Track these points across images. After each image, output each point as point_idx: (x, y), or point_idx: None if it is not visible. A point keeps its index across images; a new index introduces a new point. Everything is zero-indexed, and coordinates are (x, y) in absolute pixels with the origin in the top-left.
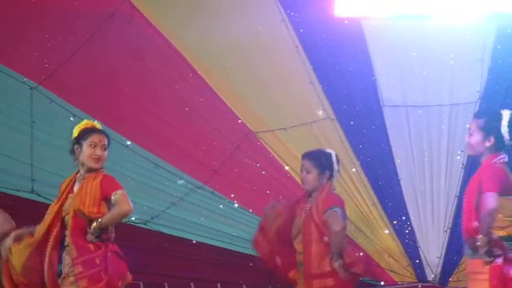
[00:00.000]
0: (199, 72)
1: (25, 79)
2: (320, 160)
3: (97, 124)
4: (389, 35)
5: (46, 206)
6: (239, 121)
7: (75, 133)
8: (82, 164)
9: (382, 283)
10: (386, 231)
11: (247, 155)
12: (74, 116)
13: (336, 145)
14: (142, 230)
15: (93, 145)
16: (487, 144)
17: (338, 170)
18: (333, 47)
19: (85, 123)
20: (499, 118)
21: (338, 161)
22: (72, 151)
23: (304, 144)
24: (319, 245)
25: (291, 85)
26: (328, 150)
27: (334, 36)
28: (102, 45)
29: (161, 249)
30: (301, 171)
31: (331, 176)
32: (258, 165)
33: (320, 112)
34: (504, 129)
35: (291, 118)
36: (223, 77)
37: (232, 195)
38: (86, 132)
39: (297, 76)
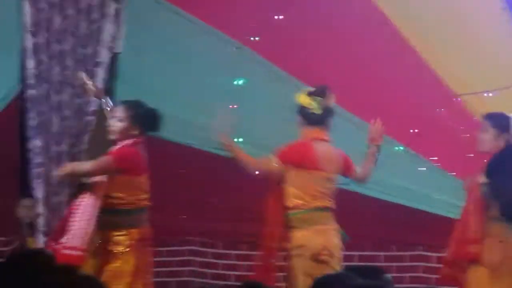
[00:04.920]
0: (401, 34)
1: (230, 40)
2: (497, 120)
3: None
4: None
5: None
6: (443, 83)
7: None
8: None
9: None
10: None
11: (451, 118)
12: (276, 77)
13: None
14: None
15: None
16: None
17: None
18: None
19: None
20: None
21: None
22: None
23: (507, 107)
24: None
25: (496, 47)
26: (510, 114)
27: None
28: (307, 8)
29: (359, 210)
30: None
31: (508, 141)
32: (461, 128)
33: None
34: None
35: (496, 80)
36: (426, 39)
37: (435, 158)
38: None
39: (502, 38)
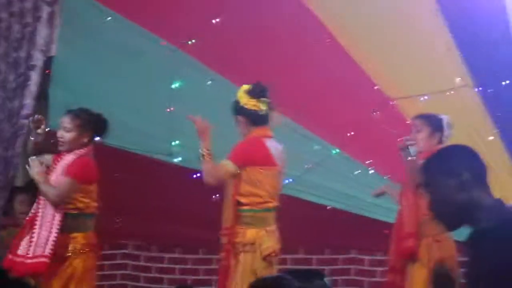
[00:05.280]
0: (336, 38)
1: (165, 42)
2: (431, 120)
3: None
4: None
5: (182, 169)
6: (376, 87)
7: None
8: None
9: None
10: None
11: (384, 122)
12: (212, 80)
13: (473, 112)
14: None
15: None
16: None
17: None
18: (473, 13)
19: None
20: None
21: (449, 125)
22: None
23: (441, 111)
24: None
25: (429, 51)
26: (442, 115)
27: (474, 2)
28: (243, 12)
29: (295, 214)
30: (411, 132)
31: (440, 141)
32: (394, 131)
33: (458, 79)
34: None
35: (429, 85)
36: (359, 42)
37: (368, 162)
38: None
39: (435, 42)
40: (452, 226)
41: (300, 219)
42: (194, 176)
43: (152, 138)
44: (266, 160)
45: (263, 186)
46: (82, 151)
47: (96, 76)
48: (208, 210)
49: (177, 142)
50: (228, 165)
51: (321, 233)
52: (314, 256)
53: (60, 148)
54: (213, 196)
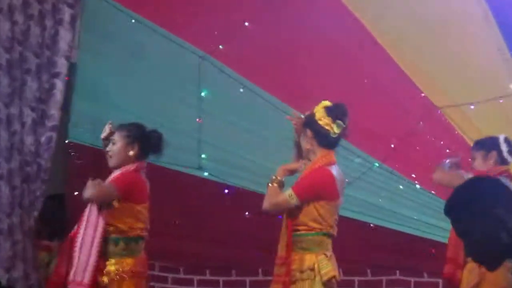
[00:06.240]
0: (381, 44)
1: (194, 49)
2: (482, 143)
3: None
4: None
5: (212, 183)
6: (422, 95)
7: None
8: None
9: None
10: None
11: (430, 132)
12: (244, 87)
13: None
14: None
15: None
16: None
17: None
18: None
19: None
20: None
21: (508, 142)
22: None
23: (492, 120)
24: None
25: (479, 57)
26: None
27: None
28: (276, 15)
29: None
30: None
31: (500, 160)
32: (442, 142)
33: (510, 86)
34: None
35: (479, 92)
36: (405, 49)
37: (413, 175)
38: None
39: (485, 48)
40: (495, 264)
41: (340, 237)
42: (226, 191)
43: (180, 151)
44: (332, 195)
45: (324, 219)
46: (129, 167)
47: (119, 84)
48: (240, 228)
49: (203, 155)
50: (292, 199)
51: (363, 252)
52: (356, 278)
53: (109, 164)
54: (246, 213)
